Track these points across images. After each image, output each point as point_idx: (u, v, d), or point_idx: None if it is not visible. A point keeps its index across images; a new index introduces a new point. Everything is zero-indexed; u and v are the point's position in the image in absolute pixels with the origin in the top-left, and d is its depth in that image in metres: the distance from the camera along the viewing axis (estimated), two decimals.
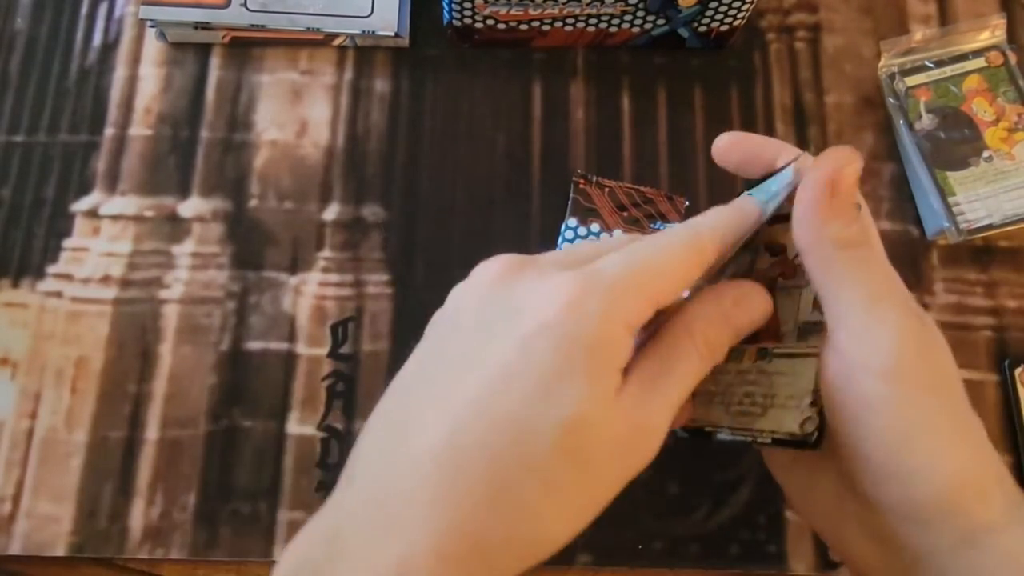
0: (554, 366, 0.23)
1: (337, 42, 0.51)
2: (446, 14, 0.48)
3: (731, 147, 0.31)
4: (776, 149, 0.30)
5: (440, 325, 0.28)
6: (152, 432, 0.44)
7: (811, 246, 0.27)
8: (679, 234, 0.27)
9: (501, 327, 0.25)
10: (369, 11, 0.49)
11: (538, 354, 0.24)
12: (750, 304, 0.29)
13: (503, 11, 0.47)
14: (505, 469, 0.23)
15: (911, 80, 0.50)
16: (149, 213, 0.48)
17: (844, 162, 0.26)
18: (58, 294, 0.46)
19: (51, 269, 0.47)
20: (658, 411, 0.26)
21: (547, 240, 0.47)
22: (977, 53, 0.50)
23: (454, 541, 0.22)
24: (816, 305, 0.30)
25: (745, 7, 0.47)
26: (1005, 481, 0.26)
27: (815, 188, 0.27)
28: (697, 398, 0.33)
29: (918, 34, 0.51)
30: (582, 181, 0.48)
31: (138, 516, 0.43)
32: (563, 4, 0.46)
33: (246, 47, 0.51)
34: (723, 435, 0.31)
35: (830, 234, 0.27)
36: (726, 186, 0.49)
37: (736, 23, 0.49)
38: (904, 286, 0.28)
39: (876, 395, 0.26)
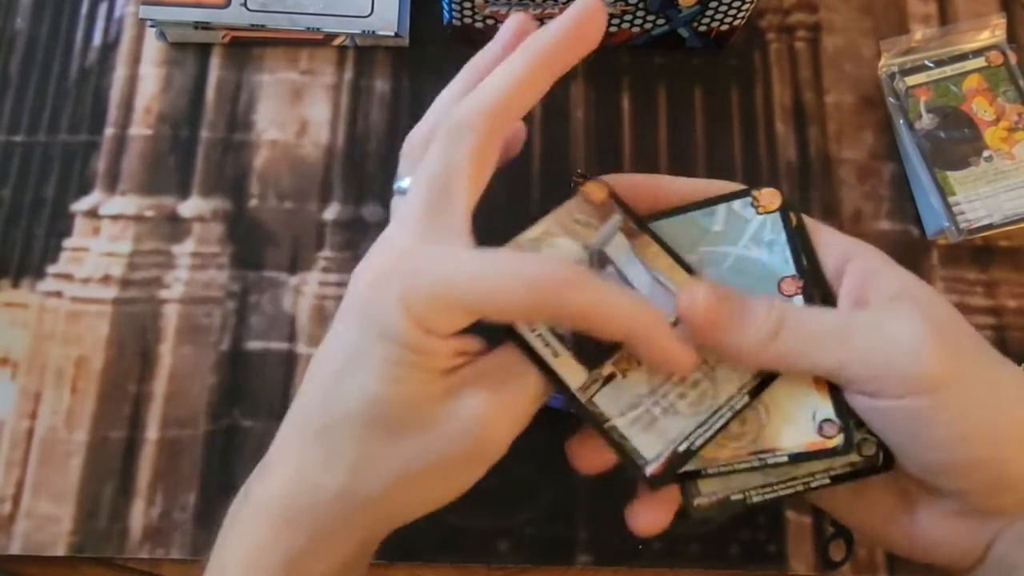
0: (351, 345, 0.26)
1: (337, 42, 0.51)
2: (446, 14, 0.48)
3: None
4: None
5: None
6: (152, 432, 0.44)
7: (753, 358, 0.26)
8: (507, 253, 0.28)
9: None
10: (369, 11, 0.49)
11: (342, 331, 0.27)
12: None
13: (504, 11, 0.47)
14: (329, 433, 0.26)
15: (911, 80, 0.50)
16: (149, 213, 0.48)
17: (698, 306, 0.26)
18: (58, 294, 0.46)
19: (51, 269, 0.47)
20: (488, 408, 0.25)
21: None
22: (977, 53, 0.50)
23: (295, 491, 0.26)
24: None
25: (745, 7, 0.47)
26: None
27: (704, 335, 0.26)
28: (632, 432, 0.27)
29: (918, 34, 0.51)
30: (582, 181, 0.48)
31: (138, 516, 0.43)
32: (563, 4, 0.46)
33: (246, 47, 0.51)
34: (761, 498, 0.27)
35: (750, 346, 0.26)
36: None
37: (736, 23, 0.49)
38: (853, 244, 0.28)
39: (922, 409, 0.24)
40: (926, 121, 0.49)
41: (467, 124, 0.26)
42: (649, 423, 0.27)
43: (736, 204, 0.30)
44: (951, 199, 0.47)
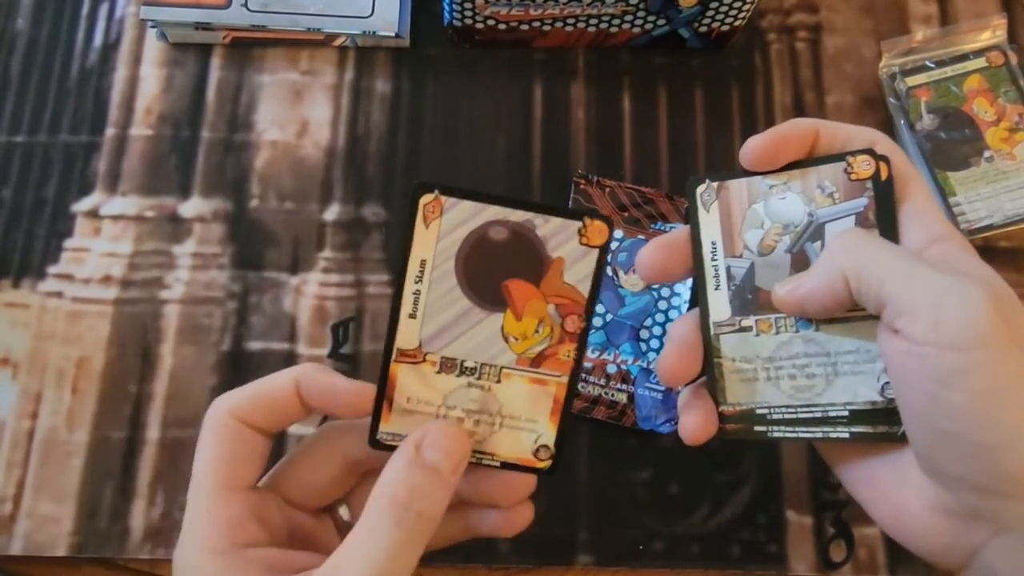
0: None
1: (338, 42, 0.51)
2: (447, 14, 0.48)
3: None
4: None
5: None
6: (153, 432, 0.44)
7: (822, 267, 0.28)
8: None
9: None
10: (370, 11, 0.49)
11: None
12: (438, 441, 0.27)
13: (504, 11, 0.47)
14: None
15: (912, 80, 0.50)
16: (150, 213, 0.48)
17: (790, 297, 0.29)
18: (59, 294, 0.46)
19: (52, 269, 0.47)
20: None
21: None
22: (978, 53, 0.50)
23: None
24: None
25: (746, 7, 0.47)
26: None
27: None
28: (731, 379, 0.30)
29: (919, 34, 0.51)
30: (583, 181, 0.48)
31: (139, 516, 0.43)
32: (564, 4, 0.46)
33: (247, 47, 0.51)
34: (779, 431, 0.29)
35: (782, 297, 0.28)
36: None
37: (737, 23, 0.49)
38: (945, 228, 0.28)
39: (952, 369, 0.24)
40: (927, 121, 0.49)
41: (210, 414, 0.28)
42: (749, 379, 0.30)
43: (565, 224, 0.28)
44: (952, 199, 0.47)
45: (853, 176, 0.29)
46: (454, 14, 0.48)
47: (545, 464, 0.28)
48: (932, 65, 0.50)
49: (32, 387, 0.45)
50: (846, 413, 0.28)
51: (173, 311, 0.46)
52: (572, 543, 0.43)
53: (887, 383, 0.28)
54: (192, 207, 0.48)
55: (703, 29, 0.49)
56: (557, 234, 0.27)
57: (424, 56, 0.51)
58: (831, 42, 0.53)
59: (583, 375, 0.45)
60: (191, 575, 0.26)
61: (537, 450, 0.28)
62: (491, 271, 0.28)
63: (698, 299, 0.30)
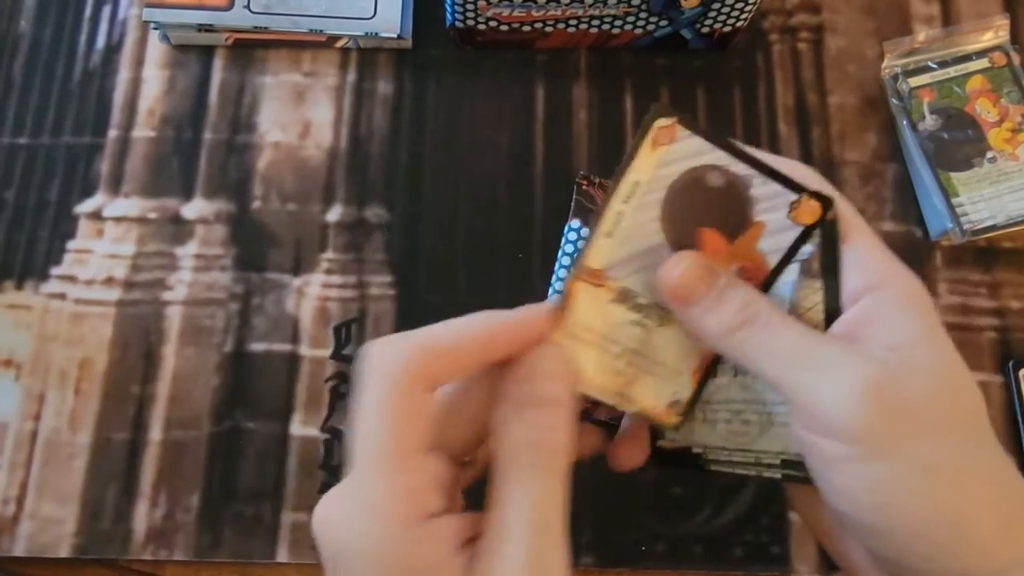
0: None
1: (340, 44, 0.51)
2: (449, 16, 0.49)
3: None
4: None
5: None
6: (156, 433, 0.44)
7: (711, 341, 0.26)
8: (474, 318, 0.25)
9: None
10: (372, 13, 0.49)
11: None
12: (541, 371, 0.25)
13: (506, 12, 0.47)
14: None
15: (914, 81, 0.50)
16: (152, 215, 0.48)
17: (674, 273, 0.26)
18: (62, 296, 0.46)
19: (55, 271, 0.47)
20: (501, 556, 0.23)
21: (550, 241, 0.47)
22: (980, 54, 0.50)
23: None
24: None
25: (748, 8, 0.47)
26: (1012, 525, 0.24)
27: (671, 302, 0.26)
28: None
29: (921, 35, 0.50)
30: (585, 182, 0.48)
31: (142, 518, 0.43)
32: (566, 5, 0.46)
33: (249, 49, 0.51)
34: (718, 464, 0.29)
35: (711, 330, 0.26)
36: None
37: (739, 24, 0.49)
38: (879, 274, 0.25)
39: (835, 455, 0.24)
40: (929, 122, 0.49)
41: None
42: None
43: (783, 194, 0.27)
44: (954, 200, 0.47)
45: (791, 215, 0.27)
46: (456, 15, 0.48)
47: (673, 421, 0.27)
48: (934, 66, 0.50)
49: (35, 388, 0.45)
50: (778, 462, 0.27)
51: (176, 312, 0.46)
52: (574, 544, 0.43)
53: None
54: (194, 209, 0.48)
55: (705, 30, 0.49)
56: (770, 199, 0.26)
57: (426, 57, 0.51)
58: (833, 43, 0.52)
59: None
60: (376, 556, 0.22)
61: (671, 403, 0.27)
62: (694, 213, 0.26)
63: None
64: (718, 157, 0.26)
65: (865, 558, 0.27)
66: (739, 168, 0.26)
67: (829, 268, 0.26)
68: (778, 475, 0.27)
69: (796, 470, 0.26)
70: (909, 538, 0.24)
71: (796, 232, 0.26)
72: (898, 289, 0.25)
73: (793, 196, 0.26)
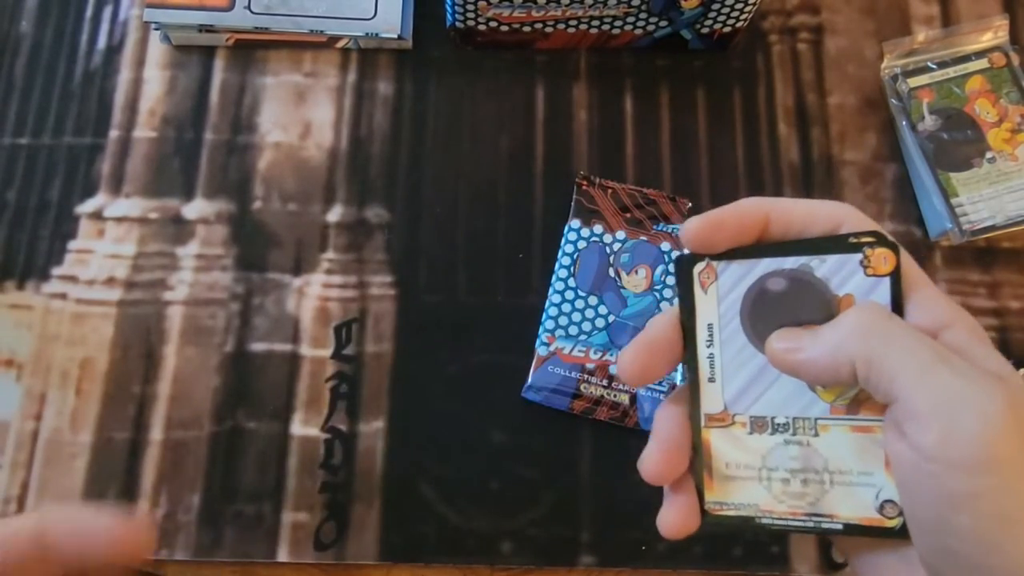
0: None
1: (340, 44, 0.51)
2: (449, 16, 0.49)
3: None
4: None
5: None
6: (156, 433, 0.44)
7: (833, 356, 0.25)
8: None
9: None
10: (372, 13, 0.49)
11: None
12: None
13: (506, 13, 0.47)
14: None
15: (914, 81, 0.50)
16: (153, 215, 0.48)
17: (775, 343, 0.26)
18: (63, 296, 0.47)
19: (56, 271, 0.47)
20: None
21: (550, 241, 0.48)
22: (980, 54, 0.50)
23: None
24: None
25: (748, 9, 0.47)
26: None
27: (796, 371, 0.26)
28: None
29: (921, 35, 0.51)
30: (585, 183, 0.48)
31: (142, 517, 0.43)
32: (566, 6, 0.46)
33: (250, 49, 0.51)
34: (769, 521, 0.27)
35: (831, 342, 0.25)
36: (728, 187, 0.49)
37: (739, 25, 0.49)
38: (951, 312, 0.25)
39: (961, 492, 0.22)
40: (929, 122, 0.49)
41: None
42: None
43: (846, 259, 0.27)
44: (954, 200, 0.47)
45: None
46: (457, 16, 0.48)
47: (895, 523, 0.26)
48: (934, 66, 0.50)
49: (36, 388, 0.45)
50: (840, 527, 0.27)
51: (176, 312, 0.46)
52: (575, 544, 0.43)
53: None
54: (195, 209, 0.48)
55: (705, 30, 0.49)
56: (838, 271, 0.26)
57: (427, 58, 0.51)
58: (833, 43, 0.53)
59: (586, 376, 0.45)
60: None
61: (882, 506, 0.26)
62: (779, 322, 0.26)
63: (689, 390, 0.28)
64: (765, 265, 0.26)
65: None
66: (789, 263, 0.26)
67: (895, 310, 0.26)
68: (839, 527, 0.27)
69: (861, 532, 0.26)
70: None
71: (885, 283, 0.26)
72: (970, 325, 0.26)
73: (856, 255, 0.26)
